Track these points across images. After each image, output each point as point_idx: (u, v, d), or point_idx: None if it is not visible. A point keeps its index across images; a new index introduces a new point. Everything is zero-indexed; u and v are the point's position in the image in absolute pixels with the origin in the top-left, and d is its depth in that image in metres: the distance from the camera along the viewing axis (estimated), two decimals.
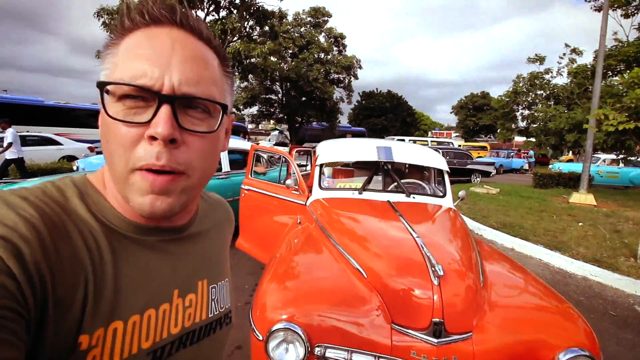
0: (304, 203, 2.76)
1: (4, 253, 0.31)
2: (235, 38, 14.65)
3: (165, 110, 0.38)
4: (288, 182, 2.85)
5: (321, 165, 2.88)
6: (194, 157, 0.42)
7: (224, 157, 4.64)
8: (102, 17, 11.19)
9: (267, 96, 20.27)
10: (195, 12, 14.19)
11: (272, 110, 20.81)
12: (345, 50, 20.33)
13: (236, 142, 5.32)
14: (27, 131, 10.74)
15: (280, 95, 20.31)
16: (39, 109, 13.02)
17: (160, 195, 0.40)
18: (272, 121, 24.11)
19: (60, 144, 11.24)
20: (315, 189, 2.77)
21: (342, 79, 20.66)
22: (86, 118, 14.09)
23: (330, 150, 3.08)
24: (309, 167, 4.82)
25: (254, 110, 20.82)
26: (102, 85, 0.38)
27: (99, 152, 10.68)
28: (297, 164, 4.28)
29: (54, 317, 0.34)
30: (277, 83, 19.73)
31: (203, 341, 0.51)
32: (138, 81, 0.38)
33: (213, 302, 0.54)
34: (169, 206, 0.41)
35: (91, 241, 0.40)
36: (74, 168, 6.84)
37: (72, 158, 9.69)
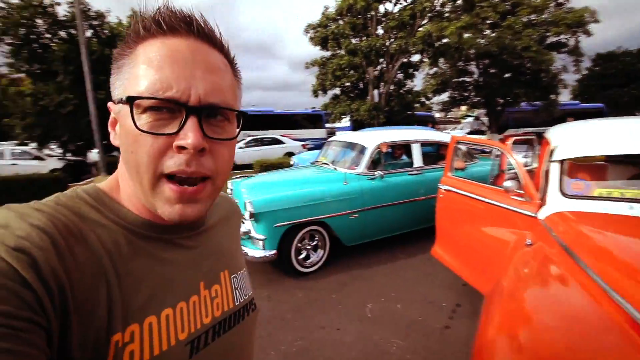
0: (533, 215, 2.03)
1: (18, 264, 0.31)
2: (425, 21, 13.85)
3: (192, 121, 0.40)
4: (507, 183, 2.19)
5: (562, 162, 2.04)
6: (219, 162, 0.44)
7: (417, 151, 4.30)
8: (308, 33, 13.27)
9: (460, 79, 18.25)
10: (384, 4, 14.86)
11: (465, 94, 18.61)
12: (568, 1, 15.39)
13: (431, 134, 4.86)
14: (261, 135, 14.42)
15: (476, 76, 17.82)
16: (271, 117, 17.28)
17: (190, 204, 0.42)
18: (463, 107, 21.65)
19: (284, 143, 14.24)
20: (554, 195, 1.98)
21: (565, 41, 15.83)
22: (301, 121, 17.66)
23: (581, 138, 2.14)
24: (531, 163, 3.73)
25: (444, 97, 19.30)
26: (132, 100, 0.39)
27: (310, 149, 12.79)
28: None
29: (78, 321, 0.35)
30: (473, 62, 17.38)
31: (235, 329, 0.53)
32: (166, 94, 0.39)
33: (237, 291, 0.56)
34: (198, 213, 0.44)
35: (109, 243, 0.41)
36: (291, 163, 8.35)
37: (291, 154, 12.05)
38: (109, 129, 0.46)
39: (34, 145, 11.26)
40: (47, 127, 10.85)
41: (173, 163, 0.40)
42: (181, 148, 0.40)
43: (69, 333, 0.34)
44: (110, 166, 10.80)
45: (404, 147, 4.54)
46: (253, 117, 16.88)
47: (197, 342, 0.46)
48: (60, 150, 12.38)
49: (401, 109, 16.80)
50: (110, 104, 0.45)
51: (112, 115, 0.45)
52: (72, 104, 10.42)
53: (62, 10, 11.37)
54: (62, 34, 11.42)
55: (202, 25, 0.43)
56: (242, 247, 3.51)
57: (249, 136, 14.64)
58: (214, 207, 0.59)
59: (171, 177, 0.41)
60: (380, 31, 15.38)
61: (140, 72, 0.40)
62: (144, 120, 0.40)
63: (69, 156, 12.20)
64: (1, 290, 0.30)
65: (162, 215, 0.42)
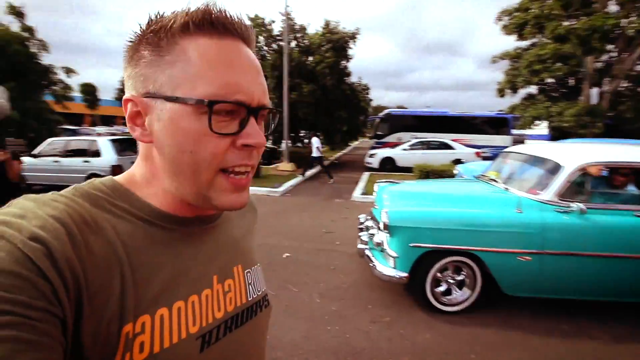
0: None
1: (34, 253, 0.32)
2: None
3: (253, 122, 0.43)
4: None
5: None
6: (259, 156, 0.47)
7: None
8: (501, 20, 11.21)
9: None
10: None
11: None
12: None
13: None
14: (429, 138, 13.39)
15: None
16: (444, 119, 15.78)
17: (243, 193, 0.46)
18: None
19: (453, 149, 12.81)
20: None
21: None
22: (480, 125, 15.25)
23: None
24: None
25: None
26: (212, 104, 0.40)
27: (485, 158, 10.97)
28: None
29: (91, 311, 0.35)
30: None
31: (247, 324, 0.53)
32: (235, 97, 0.41)
33: (250, 286, 0.56)
34: (247, 199, 0.47)
35: (124, 234, 0.41)
36: (454, 172, 7.30)
37: (458, 161, 10.67)
38: (129, 123, 0.45)
39: None
40: None
41: (236, 158, 0.43)
42: (246, 146, 0.43)
43: (81, 323, 0.34)
44: (293, 155, 12.83)
45: (634, 173, 3.01)
46: (424, 118, 16.01)
47: (209, 337, 0.45)
48: None
49: (637, 116, 11.92)
50: (134, 97, 0.43)
51: (132, 108, 0.44)
52: (275, 103, 12.83)
53: (276, 27, 14.22)
54: (274, 46, 14.22)
55: (247, 28, 0.45)
56: (372, 258, 2.90)
57: (416, 138, 13.98)
58: None
59: (225, 171, 0.43)
60: (612, 8, 11.24)
61: (204, 73, 0.41)
62: (207, 121, 0.41)
63: (268, 144, 15.18)
64: (17, 279, 0.30)
65: (219, 205, 0.44)
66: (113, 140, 7.16)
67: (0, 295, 0.29)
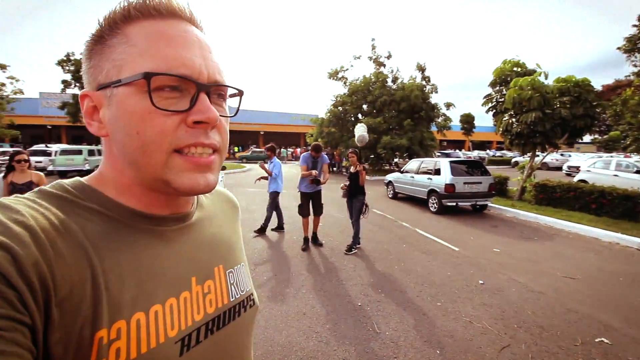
0: None
1: None
2: None
3: (204, 98, 0.41)
4: None
5: None
6: (224, 137, 0.46)
7: None
8: None
9: None
10: None
11: None
12: None
13: None
14: None
15: None
16: None
17: (207, 173, 0.43)
18: None
19: None
20: None
21: None
22: None
23: None
24: None
25: None
26: (149, 77, 0.38)
27: None
28: None
29: (60, 317, 0.33)
30: None
31: (229, 325, 0.51)
32: (179, 70, 0.40)
33: (233, 287, 0.54)
34: (214, 182, 0.44)
35: (94, 235, 0.39)
36: None
37: None
38: (86, 119, 0.43)
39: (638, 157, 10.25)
40: None
41: (189, 136, 0.40)
42: (197, 123, 0.40)
43: (50, 329, 0.32)
44: None
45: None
46: None
47: (188, 340, 0.43)
48: None
49: None
50: (88, 92, 0.42)
51: (88, 104, 0.43)
52: None
53: None
54: None
55: (189, 9, 0.44)
56: None
57: None
58: (210, 200, 0.60)
59: (180, 152, 0.41)
60: None
61: (145, 50, 0.39)
62: (155, 99, 0.39)
63: None
64: None
65: (180, 188, 0.41)
66: (452, 162, 7.93)
67: None
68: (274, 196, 5.79)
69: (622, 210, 6.76)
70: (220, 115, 0.44)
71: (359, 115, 19.25)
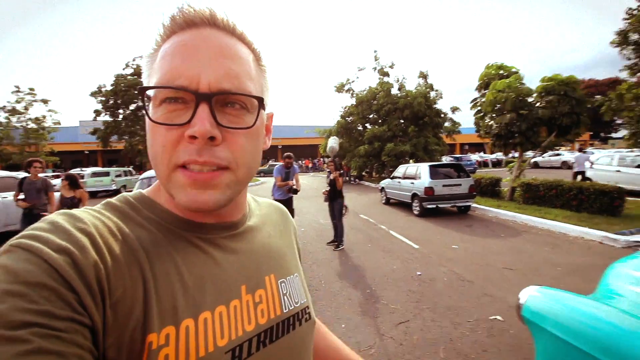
0: None
1: (59, 264, 0.32)
2: None
3: (203, 109, 0.38)
4: None
5: None
6: (237, 153, 0.42)
7: None
8: None
9: None
10: None
11: None
12: None
13: None
14: None
15: None
16: None
17: (205, 190, 0.40)
18: None
19: None
20: None
21: None
22: None
23: None
24: None
25: None
26: (142, 91, 0.40)
27: None
28: None
29: (114, 319, 0.34)
30: None
31: (283, 339, 0.48)
32: (175, 82, 0.38)
33: (285, 297, 0.52)
34: (216, 200, 0.41)
35: (147, 242, 0.40)
36: None
37: None
38: None
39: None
40: None
41: (185, 153, 0.39)
42: (193, 138, 0.38)
43: (105, 331, 0.33)
44: None
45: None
46: None
47: (239, 351, 0.41)
48: None
49: None
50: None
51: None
52: None
53: None
54: None
55: (218, 14, 0.42)
56: None
57: None
58: (261, 210, 0.60)
59: (183, 167, 0.40)
60: None
61: (155, 66, 0.41)
62: (160, 113, 0.39)
63: None
64: (43, 291, 0.30)
65: (181, 203, 0.40)
66: (431, 166, 8.28)
67: (25, 307, 0.29)
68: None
69: (599, 205, 6.81)
70: (226, 127, 0.40)
71: (367, 125, 19.75)
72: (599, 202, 6.81)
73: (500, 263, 4.65)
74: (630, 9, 9.98)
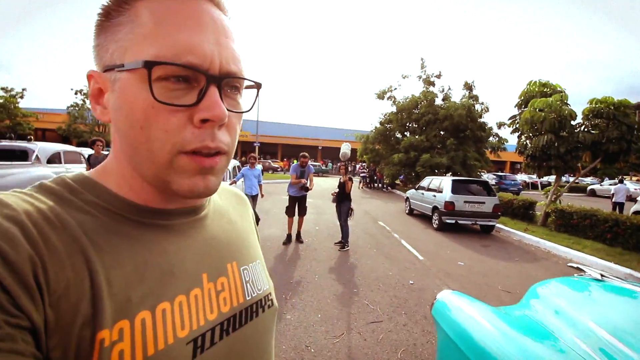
0: None
1: None
2: None
3: (214, 91, 0.36)
4: None
5: None
6: (233, 137, 0.41)
7: None
8: None
9: None
10: None
11: None
12: None
13: None
14: None
15: None
16: None
17: (209, 176, 0.39)
18: None
19: None
20: None
21: None
22: None
23: None
24: None
25: None
26: (150, 65, 0.34)
27: None
28: None
29: (57, 318, 0.31)
30: None
31: (246, 326, 0.47)
32: (187, 59, 0.35)
33: (248, 285, 0.50)
34: (215, 185, 0.40)
35: (93, 230, 0.36)
36: None
37: None
38: (91, 102, 0.40)
39: None
40: None
41: (195, 138, 0.36)
42: (204, 121, 0.36)
43: (47, 332, 0.30)
44: None
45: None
46: None
47: (202, 341, 0.40)
48: None
49: None
50: (93, 72, 0.39)
51: (94, 85, 0.39)
52: None
53: None
54: None
55: None
56: None
57: None
58: (220, 196, 0.58)
59: (186, 153, 0.37)
60: None
61: (151, 33, 0.35)
62: (157, 91, 0.35)
63: None
64: None
65: (178, 191, 0.38)
66: (454, 180, 8.13)
67: None
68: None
69: (636, 241, 6.25)
70: (233, 111, 0.39)
71: (406, 134, 19.53)
72: (636, 238, 6.25)
73: (501, 285, 4.56)
74: None
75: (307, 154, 6.22)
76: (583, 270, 1.92)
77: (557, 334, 1.29)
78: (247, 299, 0.49)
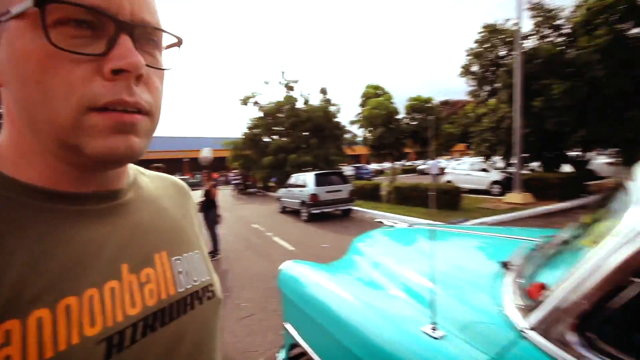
0: None
1: None
2: None
3: (126, 39, 0.32)
4: None
5: None
6: (156, 97, 0.37)
7: None
8: None
9: None
10: None
11: None
12: None
13: None
14: None
15: None
16: None
17: (130, 135, 0.34)
18: None
19: None
20: None
21: None
22: None
23: None
24: None
25: None
26: (42, 3, 0.29)
27: None
28: None
29: None
30: None
31: (179, 320, 0.43)
32: (88, 0, 0.30)
33: (181, 276, 0.46)
34: (140, 147, 0.35)
35: None
36: None
37: None
38: None
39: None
40: (495, 142, 11.74)
41: (107, 91, 0.31)
42: (116, 72, 0.31)
43: None
44: (532, 182, 9.55)
45: None
46: None
47: (119, 339, 0.35)
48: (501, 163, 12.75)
49: None
50: None
51: None
52: (509, 118, 10.37)
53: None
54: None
55: None
56: None
57: None
58: (143, 180, 0.51)
59: (96, 110, 0.32)
60: None
61: None
62: (54, 36, 0.29)
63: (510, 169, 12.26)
64: None
65: (92, 154, 0.33)
66: (316, 174, 9.02)
67: None
68: None
69: (443, 202, 8.39)
70: (152, 67, 0.35)
71: (273, 137, 20.21)
72: (443, 200, 8.38)
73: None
74: (470, 48, 12.60)
75: (161, 165, 5.76)
76: (383, 222, 2.54)
77: (365, 272, 1.69)
78: (180, 290, 0.44)
